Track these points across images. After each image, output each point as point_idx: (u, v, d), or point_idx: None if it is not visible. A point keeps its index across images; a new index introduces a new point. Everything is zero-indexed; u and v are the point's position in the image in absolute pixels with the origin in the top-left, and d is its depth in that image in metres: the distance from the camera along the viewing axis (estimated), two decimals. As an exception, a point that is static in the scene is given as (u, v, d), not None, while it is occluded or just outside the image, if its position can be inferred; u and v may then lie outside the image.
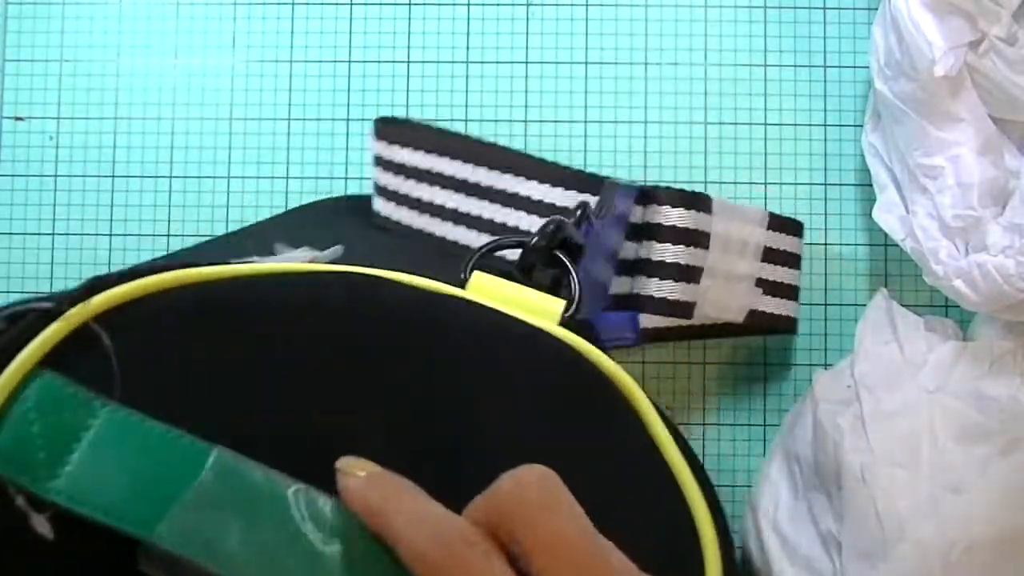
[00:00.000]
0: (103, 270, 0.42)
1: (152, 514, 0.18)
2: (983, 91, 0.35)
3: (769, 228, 0.36)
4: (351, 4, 0.43)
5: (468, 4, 0.42)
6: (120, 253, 0.42)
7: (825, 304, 0.41)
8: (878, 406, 0.35)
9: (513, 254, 0.28)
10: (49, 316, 0.20)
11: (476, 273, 0.24)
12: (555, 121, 0.42)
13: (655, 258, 0.32)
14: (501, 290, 0.24)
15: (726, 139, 0.42)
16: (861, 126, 0.41)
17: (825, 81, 0.42)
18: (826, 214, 0.41)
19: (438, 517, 0.18)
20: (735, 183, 0.41)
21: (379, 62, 0.42)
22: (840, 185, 0.42)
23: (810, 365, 0.41)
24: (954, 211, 0.34)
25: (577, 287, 0.26)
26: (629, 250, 0.33)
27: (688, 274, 0.32)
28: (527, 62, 0.42)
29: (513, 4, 0.42)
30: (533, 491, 0.18)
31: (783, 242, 0.37)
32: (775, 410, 0.40)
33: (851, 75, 0.42)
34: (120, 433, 0.19)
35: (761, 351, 0.41)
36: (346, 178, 0.42)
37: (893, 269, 0.41)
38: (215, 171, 0.42)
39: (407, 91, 0.42)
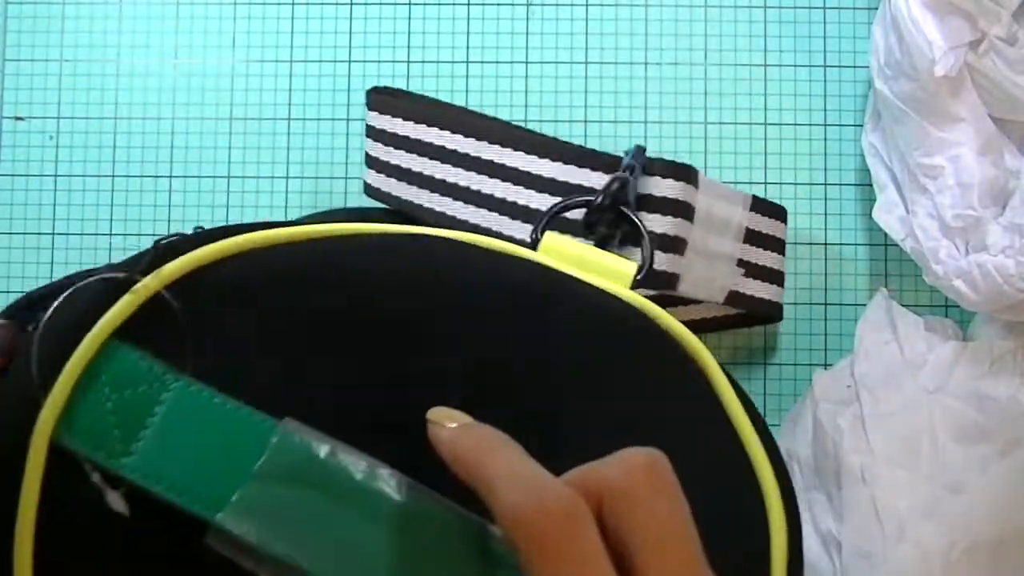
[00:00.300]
0: (103, 270, 0.42)
1: (220, 494, 0.18)
2: (983, 91, 0.35)
3: (752, 210, 0.36)
4: (351, 4, 0.43)
5: (468, 4, 0.42)
6: (120, 253, 0.42)
7: (825, 304, 0.41)
8: (878, 406, 0.35)
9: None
10: (121, 286, 0.20)
11: (548, 234, 0.24)
12: (555, 121, 0.42)
13: (645, 228, 0.32)
14: (573, 251, 0.24)
15: (726, 139, 0.42)
16: (861, 126, 0.41)
17: (825, 81, 0.42)
18: (826, 214, 0.41)
19: (538, 477, 0.17)
20: (735, 183, 0.41)
21: (379, 62, 0.42)
22: (840, 185, 0.42)
23: (810, 365, 0.41)
24: (954, 211, 0.34)
25: (649, 248, 0.26)
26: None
27: (674, 245, 0.32)
28: (527, 62, 0.42)
29: (513, 4, 0.42)
30: (646, 474, 0.17)
31: (766, 225, 0.36)
32: (775, 410, 0.40)
33: (851, 75, 0.42)
34: (191, 408, 0.19)
35: (761, 351, 0.41)
36: (346, 178, 0.42)
37: (893, 269, 0.41)
38: (215, 171, 0.42)
39: (407, 91, 0.42)
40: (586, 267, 0.23)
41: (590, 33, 0.42)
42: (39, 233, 0.42)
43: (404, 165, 0.36)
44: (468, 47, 0.42)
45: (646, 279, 0.29)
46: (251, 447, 0.18)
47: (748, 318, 0.40)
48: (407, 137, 0.35)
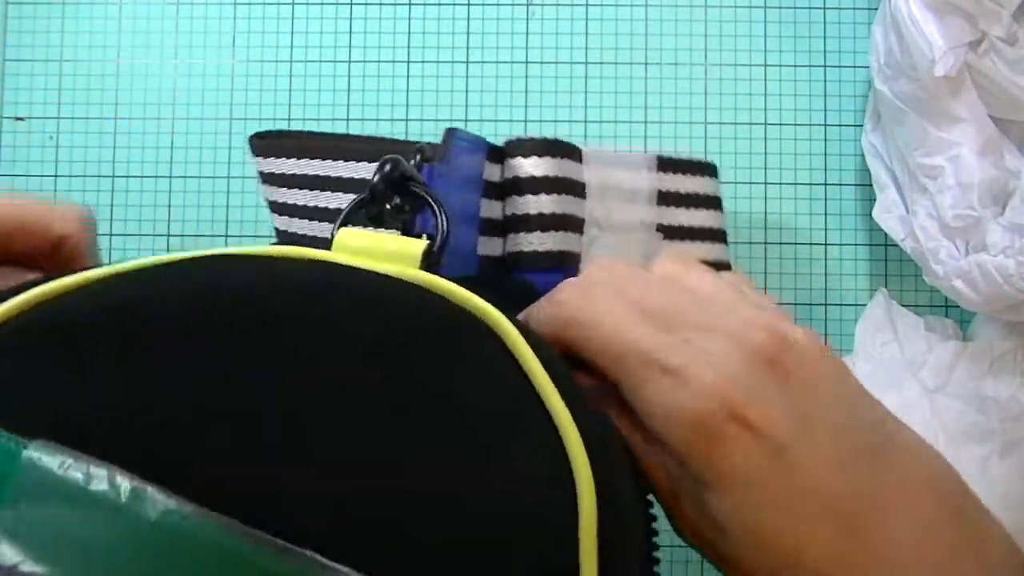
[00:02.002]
0: (103, 270, 0.42)
1: None
2: (983, 91, 0.35)
3: (661, 171, 0.34)
4: (351, 4, 0.43)
5: (468, 4, 0.42)
6: (120, 253, 0.42)
7: (825, 304, 0.41)
8: (878, 406, 0.35)
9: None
10: None
11: (341, 230, 0.23)
12: (555, 121, 0.42)
13: (520, 212, 0.31)
14: (361, 242, 0.22)
15: (726, 139, 0.42)
16: (861, 126, 0.41)
17: (825, 81, 0.42)
18: (826, 214, 0.41)
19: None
20: (735, 183, 0.41)
21: (379, 62, 0.42)
22: (840, 185, 0.42)
23: (810, 365, 0.41)
24: (954, 211, 0.34)
25: (442, 219, 0.25)
26: (494, 210, 0.32)
27: (563, 223, 0.31)
28: (527, 62, 0.42)
29: (513, 4, 0.42)
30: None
31: (685, 184, 0.35)
32: (775, 410, 0.40)
33: (851, 75, 0.42)
34: None
35: (761, 351, 0.41)
36: (346, 178, 0.42)
37: (893, 269, 0.41)
38: (215, 171, 0.42)
39: (407, 91, 0.42)
40: (373, 255, 0.22)
41: (590, 33, 0.42)
42: (39, 233, 0.42)
43: (307, 203, 0.34)
44: (468, 47, 0.42)
45: (491, 225, 0.28)
46: (6, 472, 0.18)
47: None
48: (304, 175, 0.34)
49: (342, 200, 0.34)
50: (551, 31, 0.42)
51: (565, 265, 0.32)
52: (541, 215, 0.31)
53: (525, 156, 0.31)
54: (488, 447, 0.18)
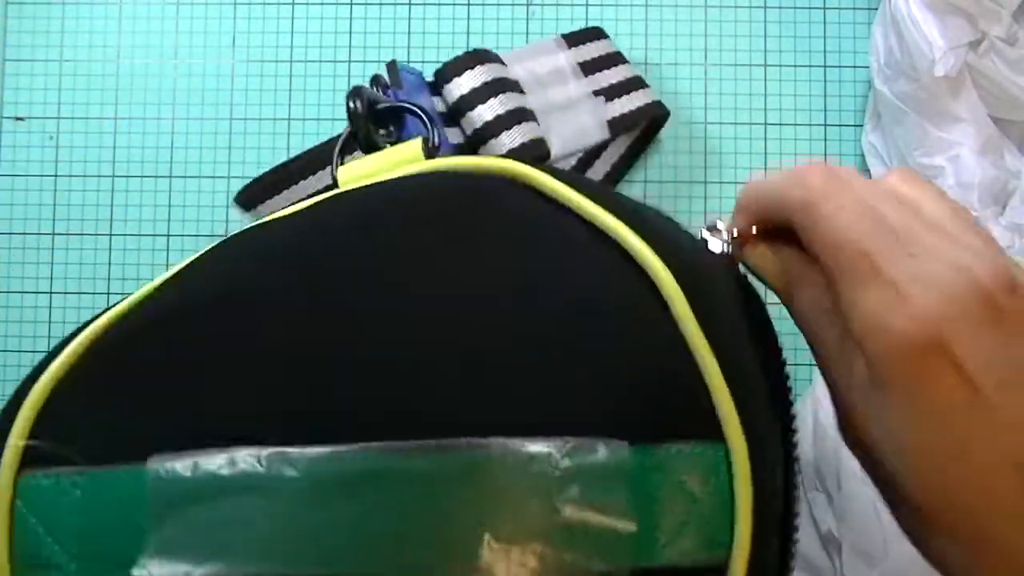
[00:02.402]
0: (103, 270, 0.42)
1: (131, 553, 0.17)
2: (983, 91, 0.35)
3: (572, 47, 0.36)
4: (351, 4, 0.43)
5: (468, 4, 0.42)
6: (120, 253, 0.42)
7: (825, 304, 0.41)
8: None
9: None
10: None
11: (340, 169, 0.23)
12: (555, 121, 0.42)
13: (479, 124, 0.33)
14: (363, 169, 0.23)
15: (726, 139, 0.42)
16: (861, 126, 0.41)
17: (825, 81, 0.42)
18: (826, 214, 0.41)
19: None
20: (735, 183, 0.41)
21: (379, 62, 0.42)
22: (840, 185, 0.42)
23: (810, 365, 0.41)
24: (954, 211, 0.34)
25: (424, 117, 0.25)
26: (457, 136, 0.33)
27: (520, 116, 0.32)
28: (527, 62, 0.42)
29: (513, 4, 0.42)
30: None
31: (593, 50, 0.37)
32: (775, 410, 0.40)
33: (851, 75, 0.42)
34: (78, 496, 0.18)
35: (761, 351, 0.41)
36: (346, 178, 0.42)
37: (893, 269, 0.41)
38: (215, 171, 0.42)
39: (407, 91, 0.42)
40: (379, 173, 0.22)
41: (590, 33, 0.42)
42: (39, 233, 0.42)
43: None
44: (468, 47, 0.42)
45: (463, 148, 0.28)
46: (138, 500, 0.18)
47: (647, 133, 0.40)
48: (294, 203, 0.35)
49: None
50: (551, 31, 0.42)
51: (539, 152, 0.33)
52: (499, 117, 0.32)
53: (459, 75, 0.32)
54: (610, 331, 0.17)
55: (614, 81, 0.37)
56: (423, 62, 0.42)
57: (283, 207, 0.34)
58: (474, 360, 0.17)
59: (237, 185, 0.42)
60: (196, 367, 0.19)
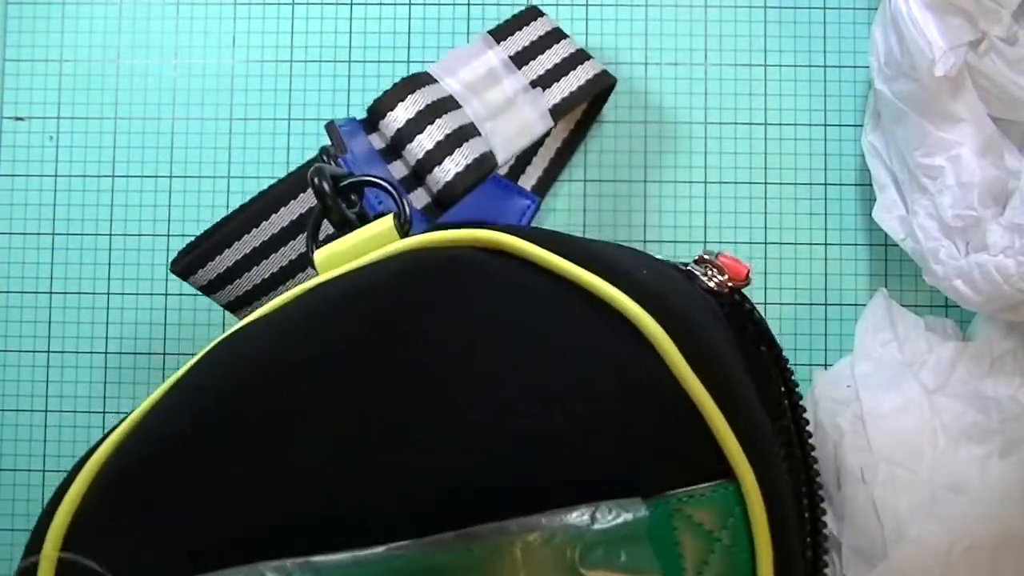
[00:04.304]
0: (103, 270, 0.42)
1: None
2: (983, 91, 0.35)
3: (500, 41, 0.35)
4: (351, 4, 0.43)
5: (468, 4, 0.42)
6: (120, 253, 0.42)
7: (825, 304, 0.41)
8: (878, 406, 0.35)
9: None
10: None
11: (317, 252, 0.24)
12: (555, 121, 0.42)
13: (422, 154, 0.32)
14: (339, 250, 0.23)
15: (726, 139, 0.42)
16: (861, 126, 0.41)
17: (825, 81, 0.42)
18: (826, 214, 0.41)
19: None
20: (735, 183, 0.42)
21: (379, 62, 0.42)
22: (840, 185, 0.42)
23: (810, 365, 0.41)
24: (954, 211, 0.34)
25: (398, 193, 0.25)
26: (401, 169, 0.33)
27: (460, 136, 0.32)
28: (527, 62, 0.42)
29: (513, 4, 0.42)
30: None
31: (523, 39, 0.36)
32: (775, 410, 0.40)
33: (851, 75, 0.42)
34: None
35: (761, 351, 0.41)
36: (346, 178, 0.42)
37: (893, 269, 0.41)
38: (215, 171, 0.42)
39: (407, 91, 0.42)
40: (353, 254, 0.22)
41: (590, 33, 0.42)
42: (39, 233, 0.42)
43: (259, 279, 0.35)
44: (468, 47, 0.42)
45: (464, 180, 0.29)
46: None
47: (596, 103, 0.40)
48: (238, 260, 0.35)
49: (287, 255, 0.34)
50: (551, 31, 0.42)
51: (485, 168, 0.32)
52: (438, 144, 0.32)
53: (393, 108, 0.32)
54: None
55: (550, 66, 0.36)
56: (423, 62, 0.42)
57: (226, 267, 0.34)
58: (483, 437, 0.18)
59: (237, 185, 0.42)
60: (210, 481, 0.19)
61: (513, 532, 0.16)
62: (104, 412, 0.42)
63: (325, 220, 0.26)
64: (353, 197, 0.26)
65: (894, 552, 0.32)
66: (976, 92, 0.35)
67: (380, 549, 0.17)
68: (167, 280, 0.42)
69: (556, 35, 0.37)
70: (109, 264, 0.42)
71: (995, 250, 0.33)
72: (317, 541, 0.17)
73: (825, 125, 0.42)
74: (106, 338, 0.42)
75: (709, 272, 0.22)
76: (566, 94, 0.36)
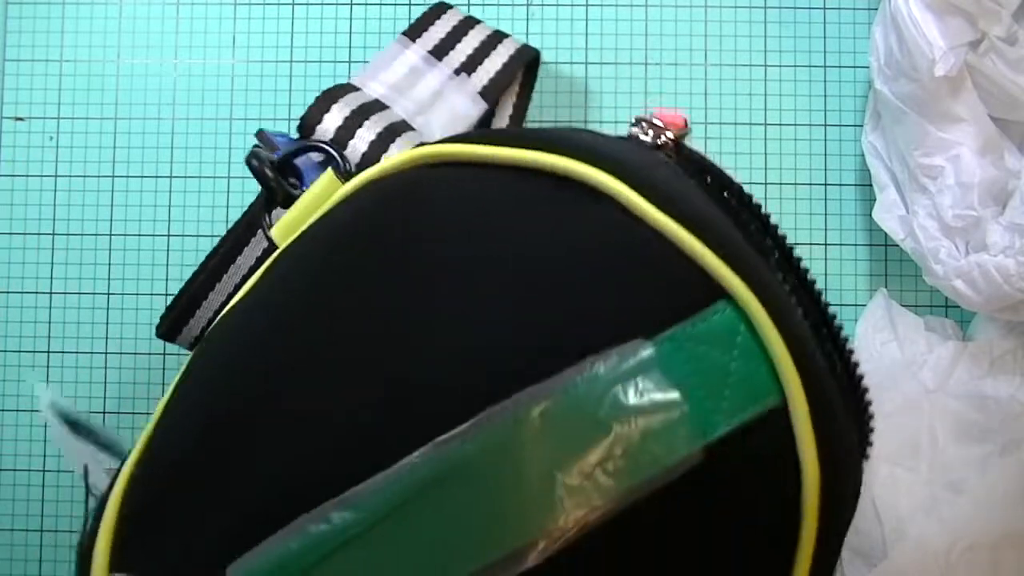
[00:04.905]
0: (103, 270, 0.42)
1: None
2: (983, 91, 0.35)
3: (414, 40, 0.36)
4: (351, 4, 0.43)
5: (468, 4, 0.42)
6: (120, 253, 0.42)
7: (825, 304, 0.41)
8: (878, 406, 0.35)
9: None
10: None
11: (273, 231, 0.24)
12: (555, 121, 0.42)
13: (358, 157, 0.33)
14: (291, 217, 0.23)
15: (726, 139, 0.42)
16: (861, 126, 0.41)
17: (825, 81, 0.42)
18: (826, 214, 0.41)
19: None
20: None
21: (379, 62, 0.42)
22: (840, 185, 0.42)
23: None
24: (954, 211, 0.34)
25: (332, 151, 0.27)
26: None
27: (392, 132, 0.33)
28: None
29: (513, 4, 0.42)
30: None
31: (437, 32, 0.37)
32: (775, 410, 0.40)
33: (851, 75, 0.42)
34: None
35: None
36: (346, 178, 0.42)
37: (893, 269, 0.41)
38: (215, 171, 0.42)
39: (407, 91, 0.42)
40: (309, 213, 0.23)
41: (590, 33, 0.42)
42: (39, 233, 0.42)
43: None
44: (468, 47, 0.42)
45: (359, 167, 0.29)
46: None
47: (528, 82, 0.40)
48: (211, 317, 0.35)
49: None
50: (551, 31, 0.42)
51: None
52: (372, 143, 0.32)
53: (320, 121, 0.33)
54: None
55: (469, 51, 0.37)
56: (423, 62, 0.42)
57: (204, 324, 0.34)
58: (483, 329, 0.18)
59: (237, 185, 0.42)
60: (224, 463, 0.19)
61: (526, 403, 0.17)
62: (104, 412, 0.42)
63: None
64: (292, 180, 0.27)
65: (894, 552, 0.32)
66: (976, 92, 0.35)
67: (402, 463, 0.17)
68: (167, 280, 0.42)
69: (469, 23, 0.38)
70: (109, 264, 0.42)
71: (995, 250, 0.33)
72: (344, 480, 0.17)
73: (825, 125, 0.42)
74: (106, 338, 0.42)
75: (649, 131, 0.22)
76: (492, 74, 0.36)
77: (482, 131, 0.21)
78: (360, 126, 0.33)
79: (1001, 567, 0.32)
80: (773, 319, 0.17)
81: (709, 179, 0.21)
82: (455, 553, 0.16)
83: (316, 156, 0.31)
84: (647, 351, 0.17)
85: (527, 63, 0.39)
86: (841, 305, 0.41)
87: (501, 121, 0.40)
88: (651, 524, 0.17)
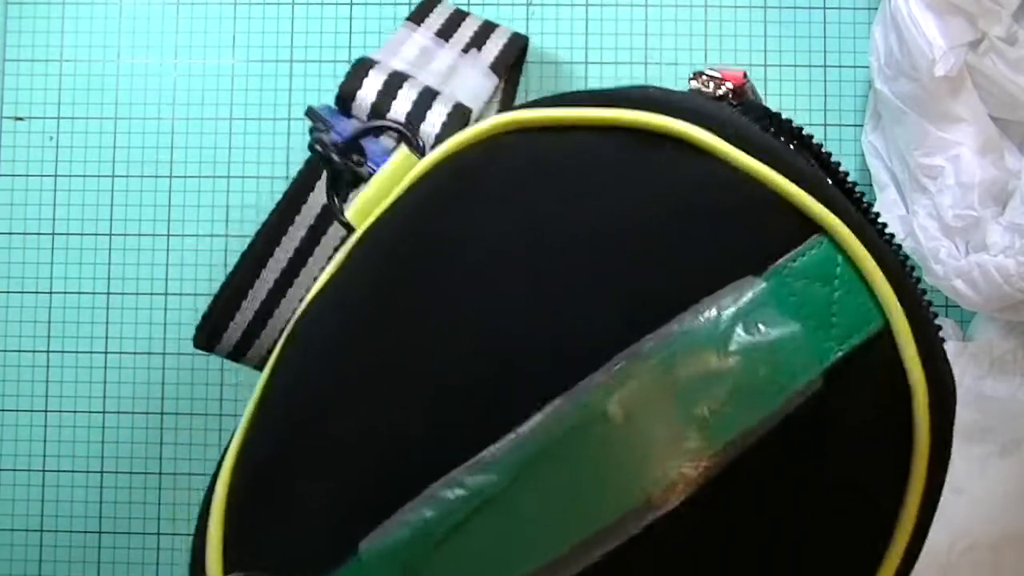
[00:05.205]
0: (103, 270, 0.42)
1: None
2: (983, 91, 0.35)
3: (419, 24, 0.37)
4: (351, 4, 0.43)
5: (468, 4, 0.42)
6: (120, 253, 0.42)
7: (825, 304, 0.41)
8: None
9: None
10: None
11: (349, 213, 0.24)
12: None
13: (404, 117, 0.33)
14: (367, 196, 0.23)
15: (726, 139, 0.42)
16: (861, 126, 0.41)
17: (825, 81, 0.42)
18: (826, 214, 0.41)
19: None
20: (735, 183, 0.41)
21: (379, 62, 0.42)
22: (840, 185, 0.42)
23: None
24: (954, 211, 0.34)
25: (404, 129, 0.27)
26: (389, 142, 0.34)
27: (430, 95, 0.34)
28: (527, 62, 0.42)
29: (513, 4, 0.42)
30: None
31: (438, 18, 0.37)
32: (775, 410, 0.40)
33: (851, 75, 0.42)
34: None
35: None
36: (346, 178, 0.42)
37: (893, 269, 0.41)
38: (215, 171, 0.42)
39: (407, 91, 0.42)
40: (386, 192, 0.23)
41: (590, 33, 0.42)
42: (39, 233, 0.42)
43: (276, 332, 0.35)
44: (468, 47, 0.42)
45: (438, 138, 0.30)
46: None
47: (514, 73, 0.41)
48: (251, 320, 0.35)
49: (303, 284, 0.35)
50: (551, 31, 0.42)
51: (464, 116, 0.34)
52: (415, 103, 0.33)
53: (360, 87, 0.33)
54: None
55: (471, 33, 0.38)
56: (423, 62, 0.42)
57: (244, 328, 0.34)
58: (588, 287, 0.18)
59: (237, 185, 0.42)
60: (344, 439, 0.19)
61: (650, 352, 0.17)
62: (104, 412, 0.42)
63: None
64: (357, 158, 0.27)
65: (894, 552, 0.32)
66: (976, 92, 0.35)
67: (531, 423, 0.17)
68: (167, 280, 0.42)
69: (461, 14, 0.39)
70: (109, 264, 0.42)
71: (995, 250, 0.33)
72: (472, 444, 0.17)
73: (825, 125, 0.42)
74: (106, 338, 0.42)
75: (710, 84, 0.23)
76: (497, 52, 0.38)
77: (557, 95, 0.21)
78: (400, 89, 0.34)
79: (1001, 567, 0.32)
80: (868, 249, 0.18)
81: (771, 124, 0.22)
82: (587, 508, 0.17)
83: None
84: (760, 286, 0.17)
85: (518, 51, 0.40)
86: (841, 305, 0.41)
87: (489, 114, 0.41)
88: (777, 460, 0.17)
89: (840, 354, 0.18)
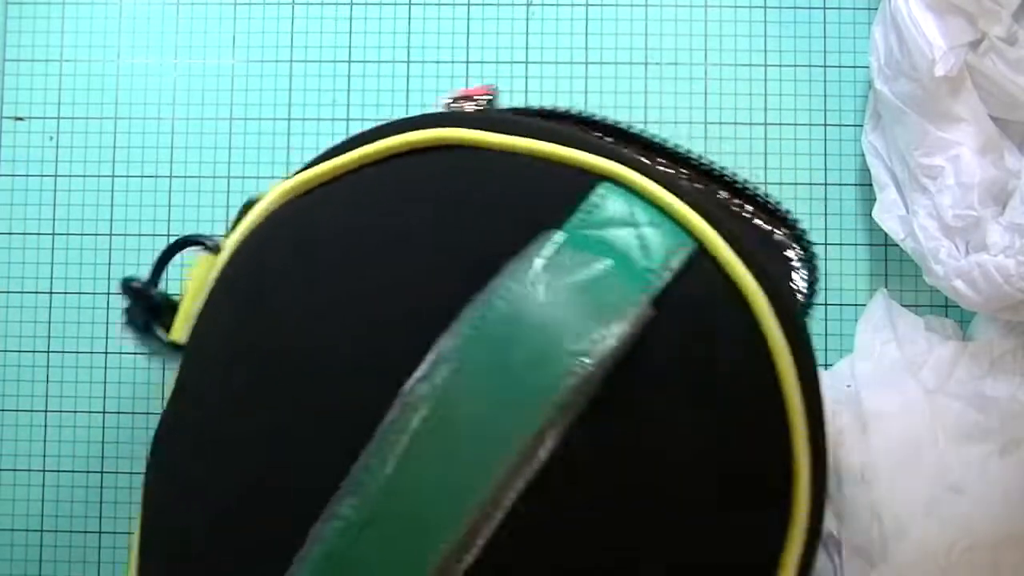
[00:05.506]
0: (103, 270, 0.42)
1: None
2: (983, 91, 0.35)
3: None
4: (351, 4, 0.43)
5: (468, 4, 0.42)
6: (120, 253, 0.42)
7: (825, 304, 0.41)
8: (878, 406, 0.35)
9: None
10: None
11: (170, 332, 0.25)
12: (555, 121, 0.42)
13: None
14: (184, 310, 0.25)
15: (726, 139, 0.42)
16: (861, 126, 0.41)
17: (825, 81, 0.42)
18: (826, 214, 0.41)
19: None
20: (735, 183, 0.41)
21: (379, 62, 0.42)
22: (840, 185, 0.42)
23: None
24: (954, 211, 0.34)
25: (194, 238, 0.29)
26: None
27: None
28: (527, 62, 0.42)
29: (513, 4, 0.42)
30: None
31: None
32: (775, 410, 0.40)
33: (851, 75, 0.42)
34: None
35: (761, 351, 0.41)
36: (346, 178, 0.42)
37: (893, 269, 0.41)
38: (215, 171, 0.42)
39: (407, 91, 0.42)
40: (197, 293, 0.26)
41: (590, 33, 0.42)
42: (39, 233, 0.42)
43: None
44: (468, 47, 0.42)
45: None
46: None
47: None
48: None
49: None
50: (551, 31, 0.42)
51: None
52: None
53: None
54: None
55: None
56: (423, 62, 0.42)
57: None
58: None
59: (237, 185, 0.42)
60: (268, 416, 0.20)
61: (468, 321, 0.18)
62: (104, 412, 0.42)
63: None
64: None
65: (894, 552, 0.32)
66: (976, 92, 0.35)
67: (379, 429, 0.17)
68: (167, 280, 0.42)
69: None
70: (109, 264, 0.42)
71: (995, 250, 0.33)
72: (334, 473, 0.18)
73: (825, 125, 0.42)
74: (106, 338, 0.42)
75: (460, 102, 0.27)
76: None
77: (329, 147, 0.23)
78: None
79: (1001, 567, 0.32)
80: (659, 183, 0.19)
81: (552, 114, 0.24)
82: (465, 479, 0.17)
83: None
84: (559, 236, 0.18)
85: None
86: (841, 305, 0.41)
87: None
88: (628, 390, 0.18)
89: (661, 281, 0.18)
